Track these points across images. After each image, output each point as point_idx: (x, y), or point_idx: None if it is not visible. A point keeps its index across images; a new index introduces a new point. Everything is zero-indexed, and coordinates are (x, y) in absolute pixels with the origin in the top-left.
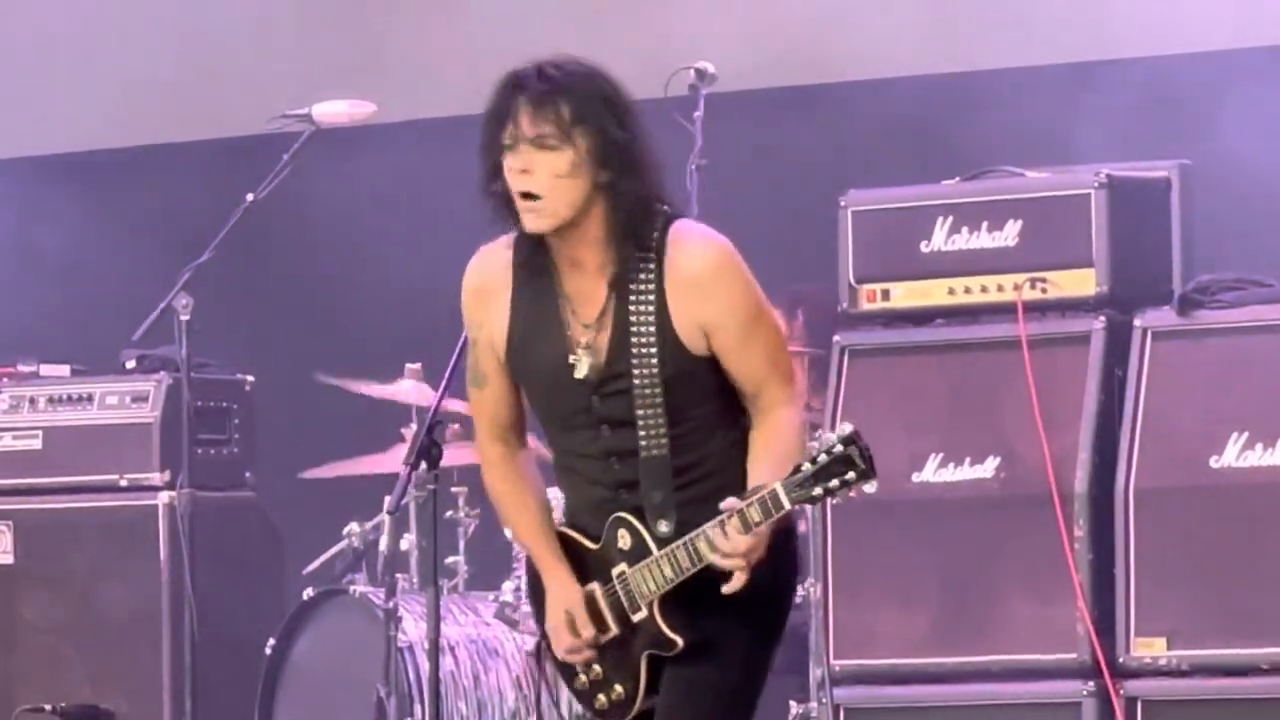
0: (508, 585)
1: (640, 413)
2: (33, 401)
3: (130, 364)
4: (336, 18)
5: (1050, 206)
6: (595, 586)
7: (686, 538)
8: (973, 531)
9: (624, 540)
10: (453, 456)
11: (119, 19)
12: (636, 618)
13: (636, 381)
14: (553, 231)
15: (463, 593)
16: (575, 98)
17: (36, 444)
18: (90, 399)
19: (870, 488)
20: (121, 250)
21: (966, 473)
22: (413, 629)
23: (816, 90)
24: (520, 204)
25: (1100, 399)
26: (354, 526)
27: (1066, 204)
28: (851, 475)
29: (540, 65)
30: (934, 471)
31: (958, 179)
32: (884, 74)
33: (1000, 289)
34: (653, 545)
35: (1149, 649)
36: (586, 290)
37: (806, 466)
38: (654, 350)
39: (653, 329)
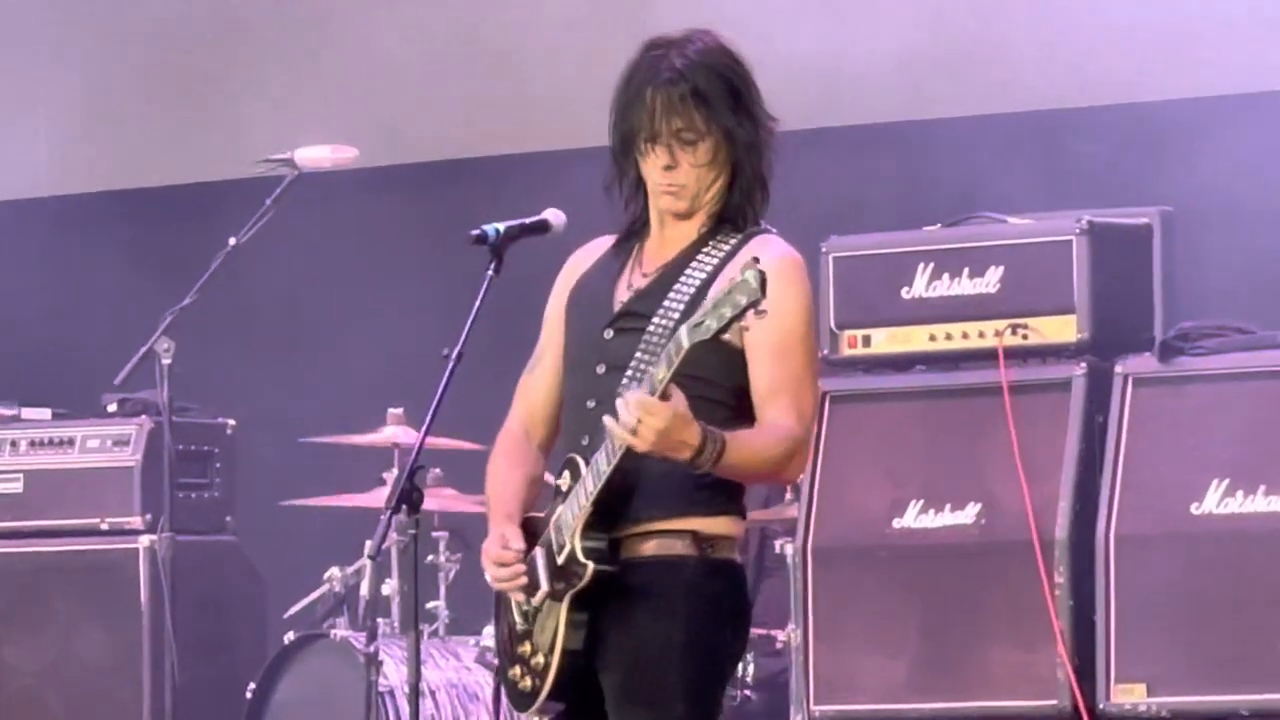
0: (489, 630)
1: (638, 355)
2: (14, 445)
3: (112, 408)
4: (318, 63)
5: (1031, 253)
6: (537, 550)
7: (607, 434)
8: (953, 578)
9: (564, 482)
10: (434, 501)
11: (102, 63)
12: (561, 557)
13: (651, 326)
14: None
15: (444, 637)
16: (708, 92)
17: (18, 487)
18: (71, 443)
19: (755, 310)
20: (103, 294)
21: (947, 519)
22: (394, 673)
23: (798, 136)
24: (663, 190)
25: (1081, 445)
26: (335, 571)
27: (1048, 250)
28: (743, 299)
29: (668, 49)
30: (915, 517)
31: (939, 225)
32: (865, 120)
33: (981, 335)
34: (583, 468)
35: (1129, 695)
36: (663, 249)
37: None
38: (680, 307)
39: (692, 290)
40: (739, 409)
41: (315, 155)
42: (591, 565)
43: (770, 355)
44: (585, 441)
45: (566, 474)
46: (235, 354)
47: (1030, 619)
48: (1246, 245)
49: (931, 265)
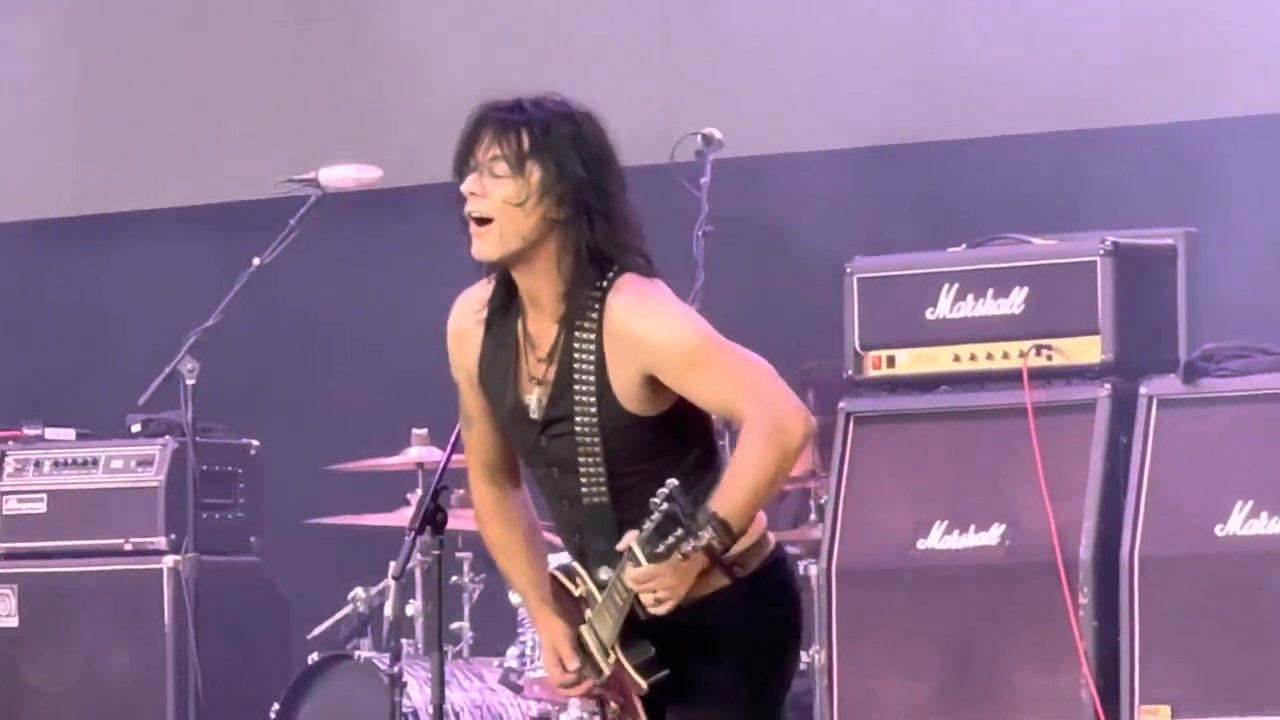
0: (512, 651)
1: (581, 459)
2: (38, 465)
3: (136, 428)
4: (341, 83)
5: (1056, 274)
6: (584, 629)
7: (615, 573)
8: (977, 599)
9: (580, 588)
10: (458, 522)
11: (124, 83)
12: (607, 665)
13: (577, 427)
14: (509, 263)
15: (467, 658)
16: (537, 129)
17: (41, 508)
18: (95, 463)
19: (699, 541)
20: (127, 314)
21: (971, 540)
22: (417, 694)
23: (822, 156)
24: (472, 228)
25: (1105, 466)
26: (359, 591)
27: (1072, 271)
28: (680, 531)
29: (519, 97)
30: (939, 539)
31: (964, 246)
32: (890, 141)
33: (1006, 356)
34: (596, 593)
35: (1153, 717)
36: (543, 328)
37: (647, 525)
38: (592, 399)
39: (592, 378)
40: (670, 447)
41: (339, 175)
42: (644, 684)
43: (693, 387)
44: (578, 539)
45: (579, 580)
46: (259, 374)
47: (1054, 640)
48: (1271, 266)
49: (956, 286)
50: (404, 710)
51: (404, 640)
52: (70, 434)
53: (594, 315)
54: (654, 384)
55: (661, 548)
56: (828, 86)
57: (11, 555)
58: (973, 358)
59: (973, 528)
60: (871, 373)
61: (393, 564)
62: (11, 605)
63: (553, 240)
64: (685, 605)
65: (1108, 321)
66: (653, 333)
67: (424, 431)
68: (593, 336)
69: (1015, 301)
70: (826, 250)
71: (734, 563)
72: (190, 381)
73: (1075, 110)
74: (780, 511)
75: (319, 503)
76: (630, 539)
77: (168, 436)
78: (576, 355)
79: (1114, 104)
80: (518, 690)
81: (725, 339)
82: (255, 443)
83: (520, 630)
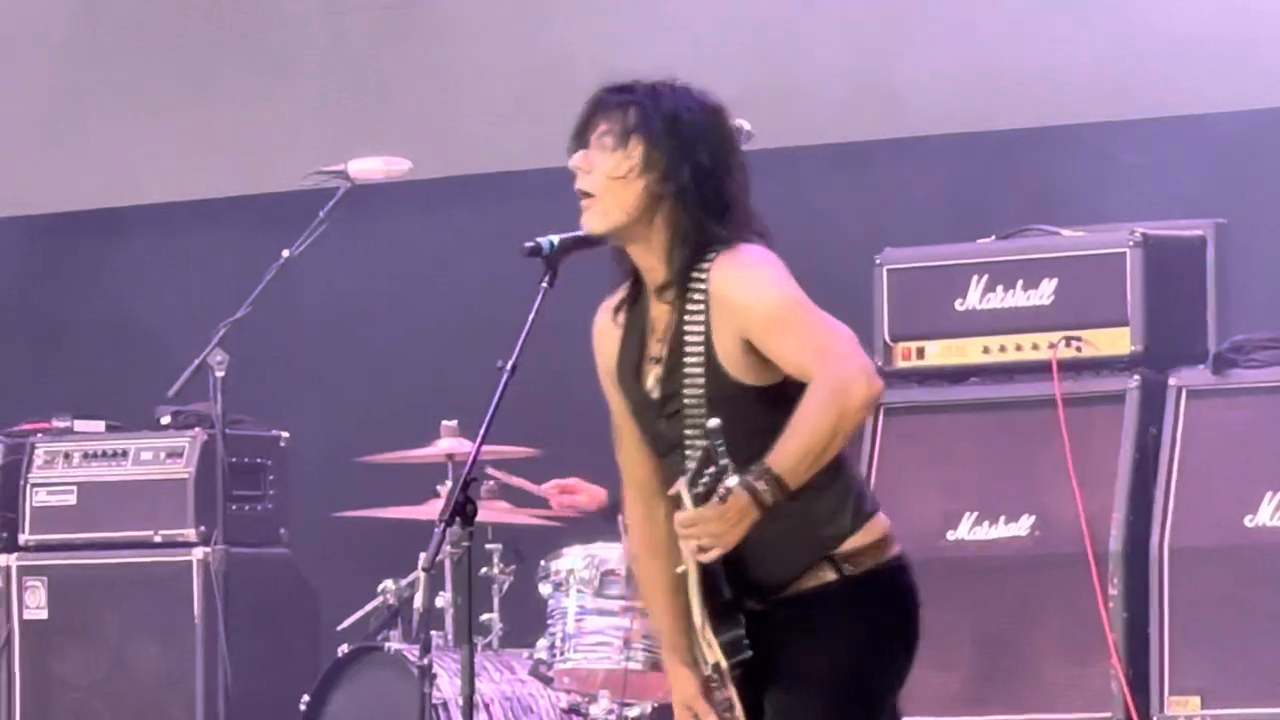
0: (542, 642)
1: (688, 434)
2: (67, 457)
3: (165, 420)
4: (372, 74)
5: (1085, 265)
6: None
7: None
8: (1007, 590)
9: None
10: (488, 514)
11: (151, 73)
12: (710, 658)
13: (686, 400)
14: (619, 239)
15: (497, 650)
16: (644, 106)
17: (71, 500)
18: (125, 455)
19: (730, 481)
20: (157, 306)
21: (1001, 531)
22: (447, 686)
23: (852, 148)
24: (582, 202)
25: (1135, 458)
26: (389, 583)
27: (1101, 263)
28: (714, 469)
29: (638, 79)
30: (968, 530)
31: (993, 237)
32: (919, 132)
33: (1035, 347)
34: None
35: (1183, 708)
36: (661, 309)
37: (689, 465)
38: (700, 371)
39: (701, 349)
40: (776, 427)
41: (369, 167)
42: (726, 662)
43: (774, 346)
44: None
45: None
46: (288, 366)
47: (1084, 631)
48: None
49: (986, 277)
50: (434, 702)
51: (434, 632)
52: (100, 426)
53: (702, 288)
54: (754, 350)
55: (700, 486)
56: (859, 80)
57: (41, 547)
58: (1002, 349)
59: (1002, 519)
60: (901, 364)
61: (422, 556)
62: (41, 597)
63: (660, 217)
64: (791, 596)
65: (1137, 313)
66: (743, 292)
67: (454, 423)
68: (701, 308)
69: (1045, 293)
70: (856, 241)
71: (845, 559)
72: (220, 373)
73: (1104, 101)
74: None
75: (348, 495)
76: (679, 483)
77: (197, 428)
78: (687, 328)
79: (1143, 95)
80: (548, 682)
81: (812, 304)
82: (285, 434)
83: (550, 622)
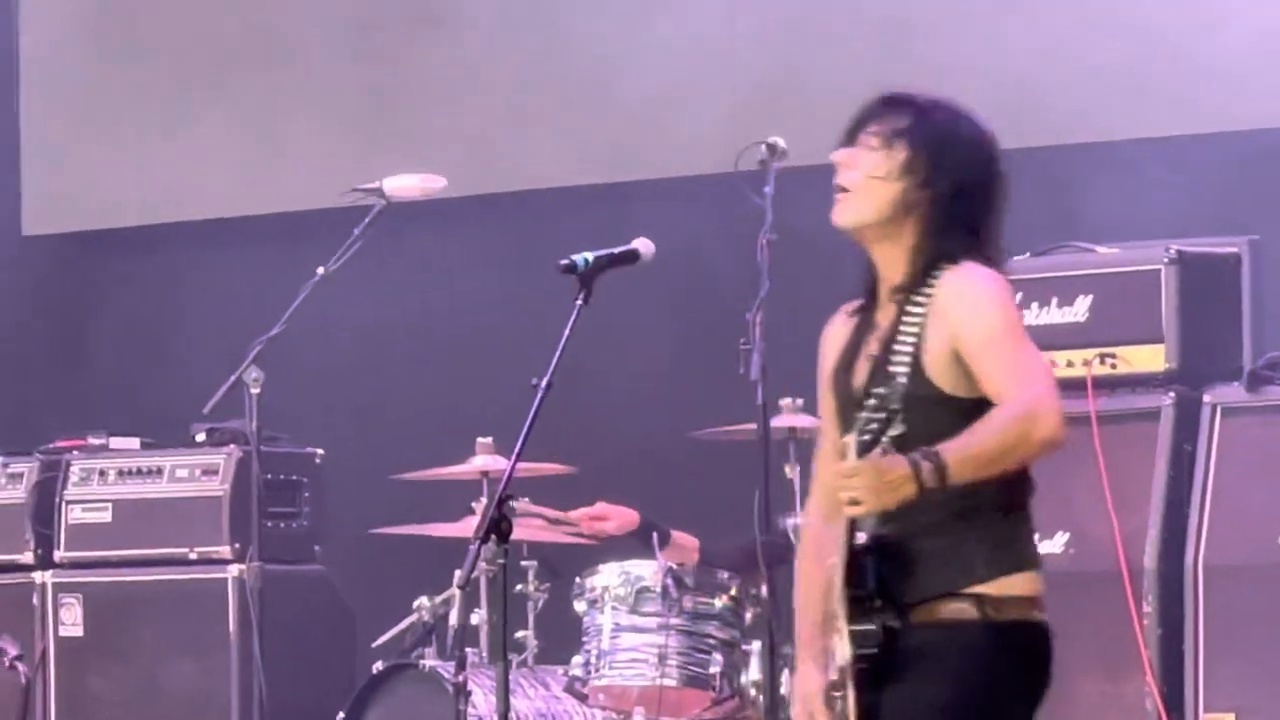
0: (576, 659)
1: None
2: (103, 474)
3: (200, 437)
4: (405, 93)
5: (1120, 282)
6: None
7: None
8: None
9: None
10: (522, 531)
11: (188, 96)
12: (839, 654)
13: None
14: (866, 237)
15: (532, 667)
16: (912, 117)
17: (106, 517)
18: (160, 472)
19: (895, 430)
20: (192, 323)
21: None
22: (482, 703)
23: None
24: (836, 195)
25: (1170, 475)
26: (424, 600)
27: (1137, 280)
28: (884, 415)
29: (914, 90)
30: None
31: (1028, 255)
32: None
33: (1070, 364)
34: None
35: None
36: (889, 311)
37: (863, 416)
38: (905, 369)
39: (910, 350)
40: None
41: (404, 185)
42: (851, 651)
43: (981, 355)
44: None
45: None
46: (323, 383)
47: (1119, 648)
48: None
49: (1020, 294)
50: (469, 718)
51: (469, 649)
52: (135, 443)
53: (928, 294)
54: (961, 362)
55: (867, 435)
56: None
57: (76, 565)
58: None
59: (1037, 536)
60: None
61: (458, 573)
62: (77, 614)
63: (910, 222)
64: (929, 623)
65: (1172, 330)
66: (964, 307)
67: (489, 440)
68: (921, 313)
69: (1079, 310)
70: None
71: (990, 602)
72: (255, 391)
73: (1137, 119)
74: None
75: (383, 512)
76: (848, 436)
77: (232, 445)
78: (902, 329)
79: (1177, 112)
80: (582, 698)
81: (1027, 336)
82: (320, 452)
83: (585, 639)
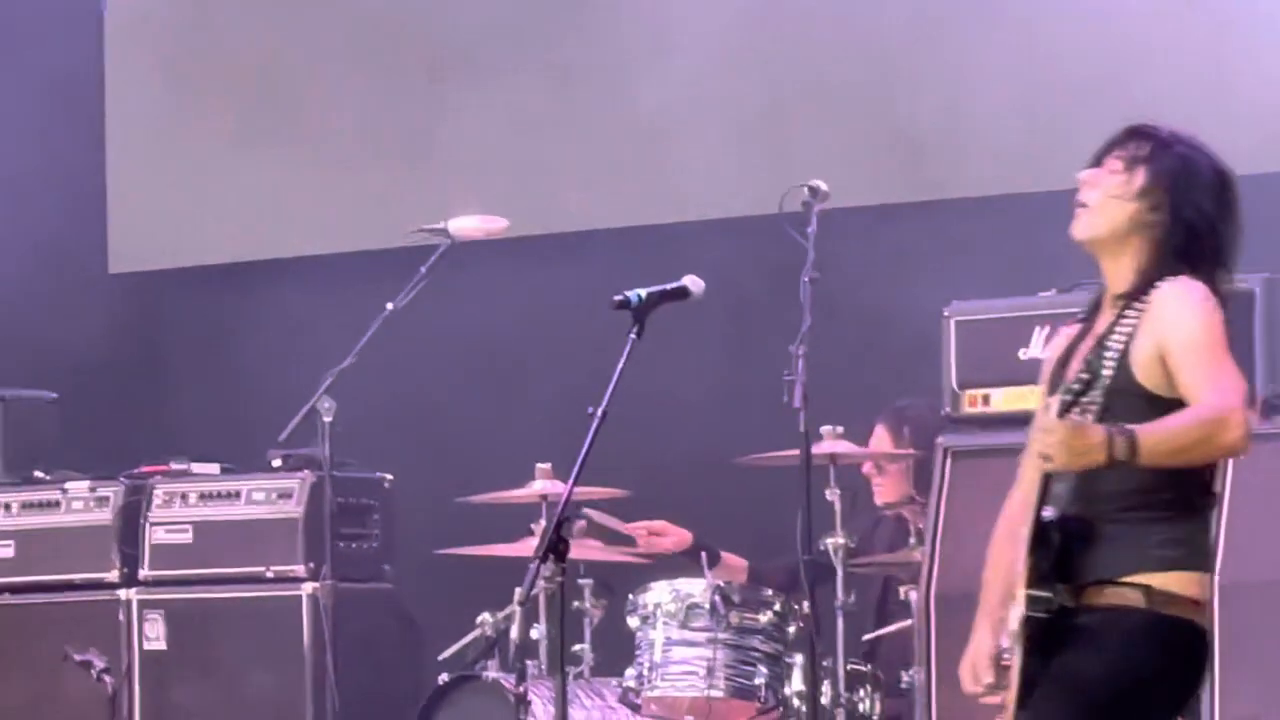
0: (630, 671)
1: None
2: (184, 498)
3: (276, 463)
4: (470, 134)
5: None
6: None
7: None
8: None
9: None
10: (580, 551)
11: (266, 140)
12: (1014, 619)
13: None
14: (1097, 250)
15: (588, 679)
16: (1155, 147)
17: (187, 538)
18: (238, 495)
19: (1095, 393)
20: (269, 355)
21: None
22: (541, 712)
23: (922, 207)
24: (1076, 210)
25: None
26: (486, 616)
27: None
28: (1088, 377)
29: (1158, 123)
30: None
31: (1054, 290)
32: (983, 192)
33: None
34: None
35: None
36: (1108, 315)
37: (1067, 396)
38: (1112, 364)
39: (1120, 347)
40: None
41: (467, 225)
42: (1024, 611)
43: (1181, 361)
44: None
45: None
46: (392, 412)
47: None
48: None
49: (1048, 328)
50: None
51: (529, 661)
52: (215, 469)
53: (1145, 300)
54: (1164, 363)
55: (1069, 395)
56: (926, 143)
57: (160, 583)
58: None
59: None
60: (968, 410)
61: (518, 590)
62: (160, 630)
63: (1140, 240)
64: (1097, 605)
65: None
66: (1173, 313)
67: (548, 465)
68: (1136, 316)
69: None
70: (926, 294)
71: (1158, 595)
72: (328, 419)
73: None
74: (878, 536)
75: (448, 533)
76: (1054, 396)
77: (306, 471)
78: (1117, 328)
79: None
80: (636, 709)
81: (1228, 351)
82: (389, 477)
83: (638, 652)
